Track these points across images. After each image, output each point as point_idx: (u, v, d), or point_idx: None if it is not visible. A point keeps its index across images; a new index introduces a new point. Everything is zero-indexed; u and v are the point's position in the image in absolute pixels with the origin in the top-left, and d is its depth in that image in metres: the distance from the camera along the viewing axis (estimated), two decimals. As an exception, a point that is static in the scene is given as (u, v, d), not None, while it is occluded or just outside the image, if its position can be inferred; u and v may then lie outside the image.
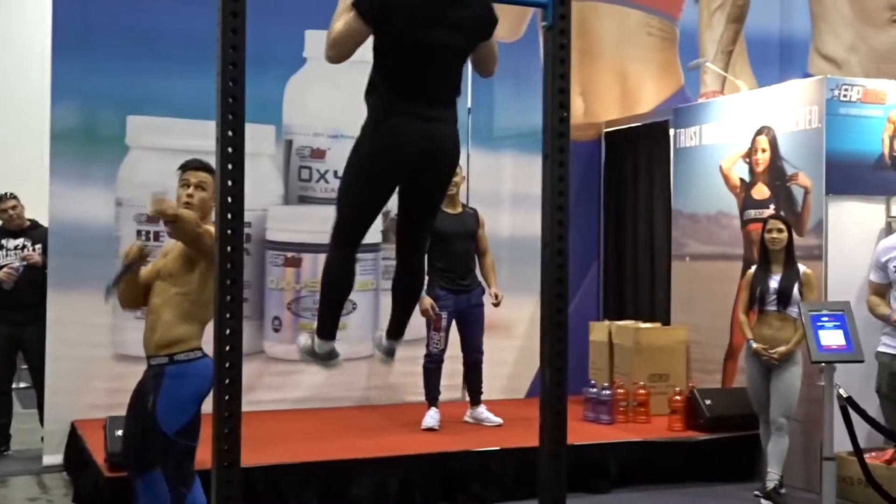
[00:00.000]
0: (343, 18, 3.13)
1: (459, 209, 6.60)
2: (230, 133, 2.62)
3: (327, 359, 3.40)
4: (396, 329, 3.55)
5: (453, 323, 6.56)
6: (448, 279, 6.49)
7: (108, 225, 6.63)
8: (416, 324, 5.79)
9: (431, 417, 6.46)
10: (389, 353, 3.56)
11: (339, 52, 3.16)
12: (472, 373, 6.70)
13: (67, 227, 6.48)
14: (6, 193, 6.92)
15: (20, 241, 6.83)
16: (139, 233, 6.66)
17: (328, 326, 3.38)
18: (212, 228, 3.44)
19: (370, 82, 3.23)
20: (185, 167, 4.13)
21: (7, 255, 6.79)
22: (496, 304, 6.62)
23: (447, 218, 6.32)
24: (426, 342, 6.51)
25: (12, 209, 6.84)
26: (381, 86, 3.20)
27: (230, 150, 2.63)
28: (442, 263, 6.45)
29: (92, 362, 6.51)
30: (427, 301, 6.36)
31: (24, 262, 6.69)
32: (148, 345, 4.06)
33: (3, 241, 6.81)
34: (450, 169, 3.33)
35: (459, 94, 3.33)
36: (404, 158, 3.19)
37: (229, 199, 2.64)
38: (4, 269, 6.65)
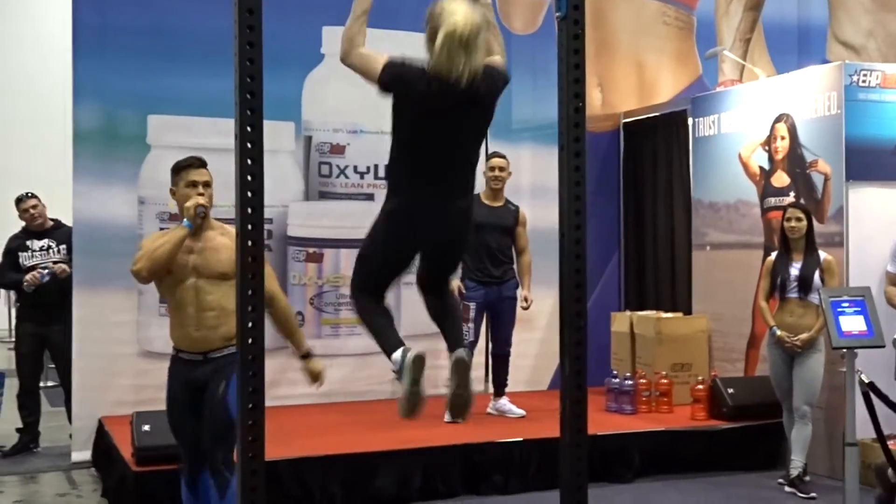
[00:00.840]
0: (367, 54, 3.20)
1: (501, 203, 6.66)
2: (249, 128, 2.65)
3: (415, 366, 3.19)
4: (455, 340, 3.43)
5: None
6: (478, 270, 6.52)
7: (131, 223, 6.68)
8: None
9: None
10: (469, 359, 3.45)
11: (352, 67, 3.25)
12: (499, 365, 6.73)
13: (91, 226, 6.54)
14: (26, 193, 6.99)
15: (45, 242, 6.89)
16: (162, 231, 6.70)
17: (392, 339, 3.29)
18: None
19: (390, 153, 3.32)
20: (187, 167, 4.15)
21: (33, 256, 6.85)
22: (525, 308, 6.66)
23: (484, 209, 6.44)
24: None
25: (33, 208, 6.90)
26: (398, 163, 3.31)
27: (249, 145, 2.66)
28: (473, 254, 6.47)
29: (117, 359, 6.57)
30: (455, 283, 6.33)
31: (51, 272, 6.70)
32: (208, 340, 4.13)
33: (28, 243, 6.88)
34: (465, 241, 3.44)
35: (476, 166, 3.40)
36: (422, 242, 3.31)
37: (249, 194, 2.67)
38: (32, 274, 6.69)
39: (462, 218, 3.36)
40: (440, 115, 3.16)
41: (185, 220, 4.08)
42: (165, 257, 4.04)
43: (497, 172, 6.62)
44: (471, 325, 6.49)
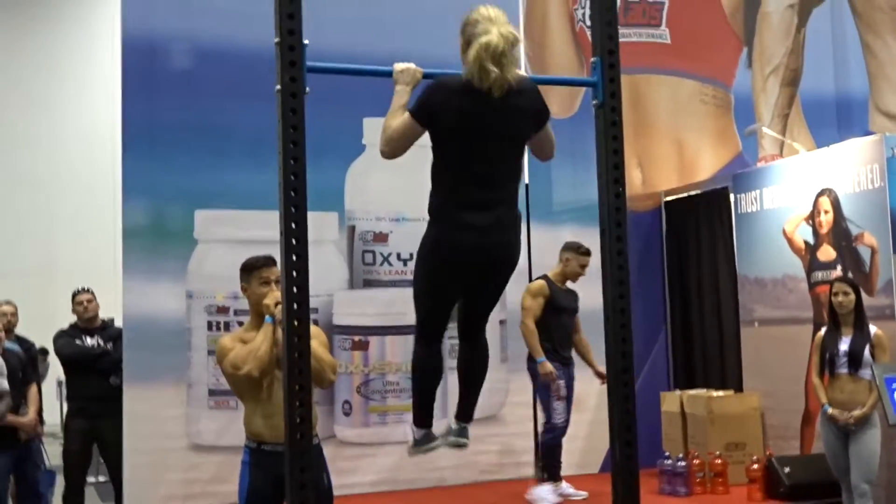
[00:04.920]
0: (398, 117, 3.25)
1: (566, 286, 6.70)
2: (293, 225, 2.71)
3: (425, 443, 3.49)
4: (465, 411, 3.58)
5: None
6: (557, 351, 6.53)
7: (179, 317, 6.78)
8: (485, 403, 5.78)
9: (551, 492, 6.41)
10: (462, 435, 3.59)
11: (394, 148, 3.30)
12: (559, 449, 6.65)
13: (140, 321, 6.63)
14: (83, 287, 7.09)
15: (96, 340, 6.96)
16: (210, 324, 6.78)
17: (423, 416, 3.49)
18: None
19: (432, 177, 3.36)
20: (262, 265, 4.20)
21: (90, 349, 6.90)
22: (603, 382, 6.62)
23: (562, 292, 6.57)
24: (546, 415, 6.50)
25: (88, 302, 6.99)
26: (440, 187, 3.35)
27: (294, 241, 2.71)
28: (555, 335, 6.53)
29: (168, 454, 6.59)
30: (548, 365, 6.38)
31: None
32: None
33: (78, 341, 6.95)
34: (507, 272, 3.47)
35: (520, 180, 3.43)
36: (464, 269, 3.34)
37: (295, 290, 2.71)
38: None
39: (502, 251, 3.37)
40: (478, 127, 3.19)
41: (267, 316, 4.11)
42: (268, 354, 4.08)
43: (585, 271, 6.65)
44: (564, 403, 6.47)
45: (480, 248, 3.30)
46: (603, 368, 6.56)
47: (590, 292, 7.15)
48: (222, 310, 6.80)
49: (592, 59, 3.15)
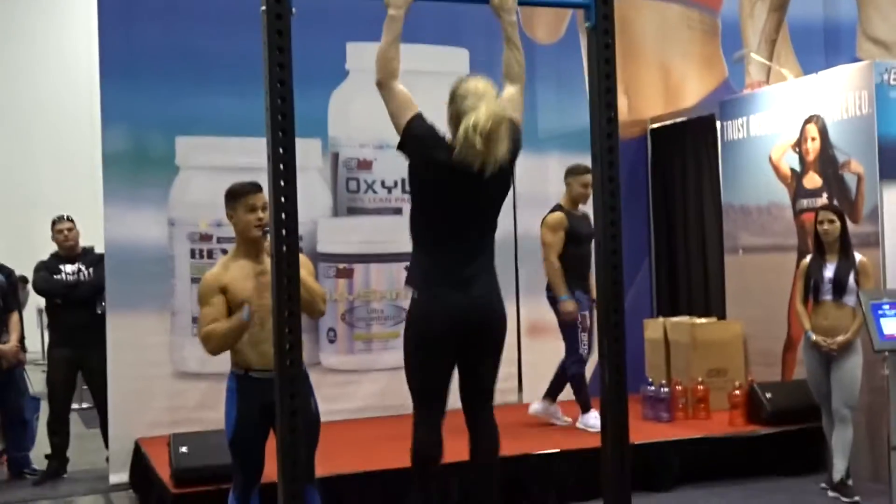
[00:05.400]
0: (401, 97, 3.29)
1: (581, 212, 6.58)
2: (281, 150, 2.66)
3: None
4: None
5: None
6: (580, 280, 6.46)
7: (162, 245, 6.73)
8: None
9: (596, 418, 6.41)
10: None
11: (385, 100, 3.36)
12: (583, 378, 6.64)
13: (122, 249, 6.57)
14: (63, 216, 7.03)
15: (76, 266, 6.93)
16: (192, 252, 6.75)
17: None
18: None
19: (411, 229, 3.45)
20: (248, 191, 4.13)
21: (66, 279, 6.88)
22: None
23: (580, 220, 6.45)
24: (573, 347, 6.43)
25: (68, 230, 6.94)
26: (421, 251, 3.40)
27: (282, 166, 2.67)
28: (577, 265, 6.44)
29: (152, 381, 6.60)
30: (571, 304, 6.35)
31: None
32: None
33: (61, 267, 6.91)
34: (498, 336, 3.50)
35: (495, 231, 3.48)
36: (453, 336, 3.39)
37: (283, 216, 2.68)
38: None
39: (488, 313, 3.43)
40: (455, 187, 3.22)
41: (244, 314, 4.08)
42: (234, 341, 4.09)
43: (589, 190, 6.49)
44: (586, 335, 6.41)
45: (465, 313, 3.33)
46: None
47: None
48: (205, 237, 6.76)
49: (586, -19, 3.09)
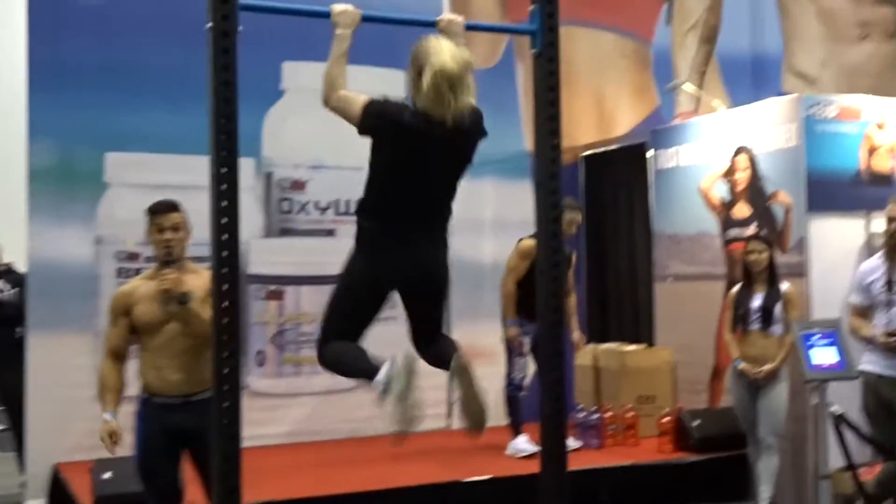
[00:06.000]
0: (340, 65, 3.18)
1: None
2: (224, 170, 2.62)
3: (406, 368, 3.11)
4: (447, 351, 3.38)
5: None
6: (530, 307, 6.43)
7: (87, 263, 6.57)
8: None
9: (527, 442, 6.42)
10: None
11: (335, 112, 3.22)
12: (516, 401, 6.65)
13: (47, 267, 6.40)
14: (-19, 232, 6.86)
15: (-1, 286, 6.76)
16: (119, 271, 6.61)
17: (372, 364, 3.15)
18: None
19: (361, 200, 3.28)
20: (155, 211, 4.12)
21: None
22: (578, 350, 6.78)
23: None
24: (508, 369, 6.51)
25: (-12, 249, 6.78)
26: (375, 197, 3.25)
27: (225, 187, 2.62)
28: (527, 291, 6.41)
29: (74, 403, 6.40)
30: (513, 330, 6.42)
31: None
32: (189, 383, 4.07)
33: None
34: (441, 290, 3.38)
35: (454, 195, 3.36)
36: (393, 282, 3.27)
37: (224, 237, 2.63)
38: None
39: (434, 265, 3.32)
40: (424, 149, 3.14)
41: (107, 412, 4.10)
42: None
43: (572, 229, 6.55)
44: (526, 359, 6.46)
45: (410, 262, 3.23)
46: (577, 335, 6.72)
47: (507, 247, 7.22)
48: (132, 256, 6.62)
49: (532, 7, 3.11)
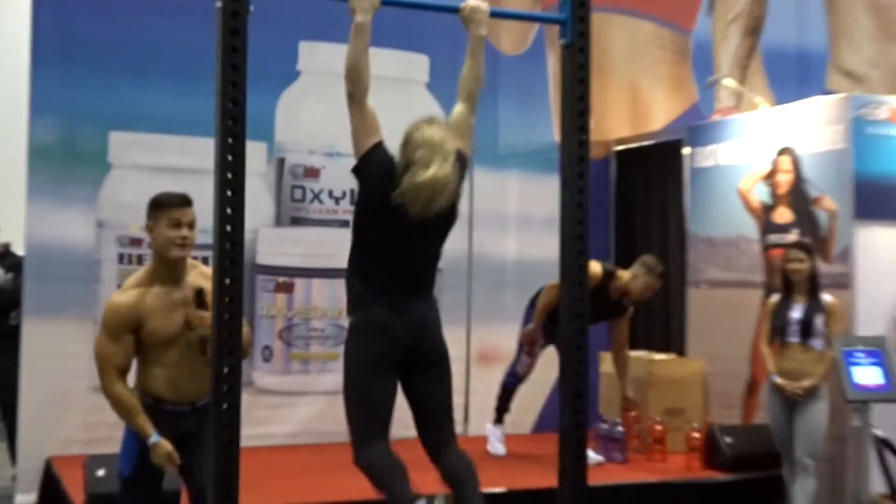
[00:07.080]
0: (370, 119, 3.33)
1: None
2: (230, 157, 2.60)
3: None
4: None
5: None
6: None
7: (88, 247, 6.58)
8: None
9: (499, 441, 6.61)
10: None
11: (350, 112, 3.38)
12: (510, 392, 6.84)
13: (45, 250, 6.41)
14: (-22, 214, 6.88)
15: (-5, 269, 6.78)
16: (121, 256, 6.61)
17: (401, 495, 3.42)
18: None
19: (351, 263, 3.50)
20: (174, 204, 3.87)
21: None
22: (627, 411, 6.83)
23: (601, 302, 6.40)
24: (513, 361, 6.70)
25: (-16, 229, 6.79)
26: (360, 274, 3.46)
27: (230, 174, 2.61)
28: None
29: (69, 394, 6.43)
30: (531, 329, 6.53)
31: None
32: (199, 391, 3.92)
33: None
34: (444, 357, 3.54)
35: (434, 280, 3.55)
36: (395, 349, 3.42)
37: (228, 227, 2.61)
38: None
39: (429, 329, 3.47)
40: (404, 228, 3.28)
41: (154, 436, 3.89)
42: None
43: (646, 294, 6.68)
44: (533, 360, 6.65)
45: (410, 330, 3.39)
46: (630, 394, 6.75)
47: (532, 243, 7.17)
48: (135, 241, 6.61)
49: (563, -5, 3.08)
